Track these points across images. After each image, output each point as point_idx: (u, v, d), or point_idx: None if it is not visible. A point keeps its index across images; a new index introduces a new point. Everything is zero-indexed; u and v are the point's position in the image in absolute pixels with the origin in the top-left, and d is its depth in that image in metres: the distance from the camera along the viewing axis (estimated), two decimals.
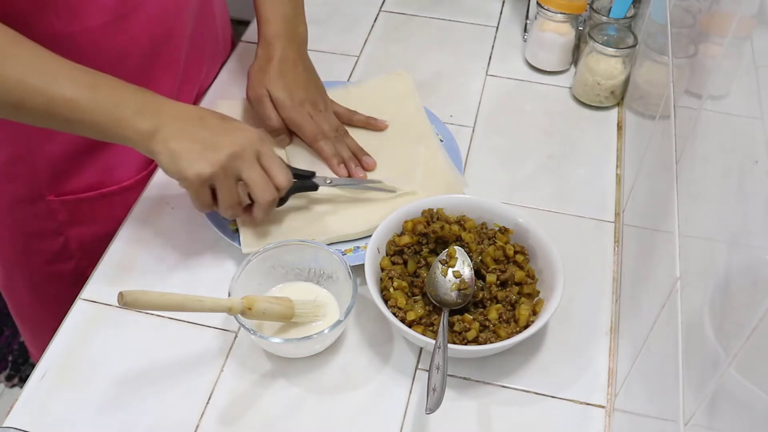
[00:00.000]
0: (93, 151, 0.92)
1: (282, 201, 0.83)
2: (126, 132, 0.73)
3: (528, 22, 1.15)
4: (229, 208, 0.78)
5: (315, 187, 0.86)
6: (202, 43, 1.01)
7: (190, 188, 0.76)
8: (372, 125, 0.98)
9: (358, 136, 0.97)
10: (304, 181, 0.85)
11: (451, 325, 0.75)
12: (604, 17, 1.05)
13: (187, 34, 0.95)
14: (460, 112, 1.05)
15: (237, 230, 0.86)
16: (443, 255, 0.78)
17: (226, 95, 1.06)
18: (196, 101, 1.05)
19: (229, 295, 0.74)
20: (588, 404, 0.75)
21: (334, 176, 0.90)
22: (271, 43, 0.93)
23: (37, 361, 0.78)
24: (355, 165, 0.92)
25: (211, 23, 1.04)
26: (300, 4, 0.97)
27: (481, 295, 0.78)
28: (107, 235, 0.89)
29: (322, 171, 0.90)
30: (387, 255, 0.81)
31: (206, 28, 1.01)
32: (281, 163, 0.80)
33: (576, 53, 1.12)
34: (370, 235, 0.80)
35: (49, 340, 0.79)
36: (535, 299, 0.78)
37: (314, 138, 0.92)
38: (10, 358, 1.74)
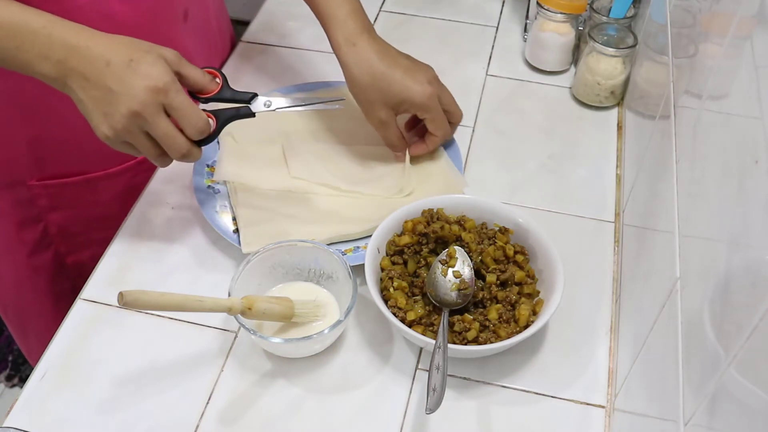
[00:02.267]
0: (76, 136, 0.90)
1: (212, 137, 0.77)
2: (36, 75, 0.71)
3: (528, 22, 1.15)
4: (158, 160, 0.75)
5: (251, 114, 0.80)
6: (196, 41, 1.00)
7: (111, 146, 0.74)
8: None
9: (357, 135, 0.97)
10: (238, 110, 0.79)
11: (451, 325, 0.75)
12: (604, 17, 1.05)
13: (177, 29, 0.93)
14: None
15: (237, 230, 0.86)
16: (443, 255, 0.78)
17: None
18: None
19: (229, 295, 0.74)
20: (588, 404, 0.75)
21: (275, 99, 0.81)
22: (356, 44, 0.86)
23: (28, 358, 0.78)
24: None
25: (206, 22, 1.03)
26: None
27: (481, 295, 0.78)
28: (88, 219, 0.88)
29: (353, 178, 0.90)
30: (387, 255, 0.81)
31: (201, 27, 1.01)
32: (190, 110, 0.73)
33: (576, 53, 1.12)
34: (370, 235, 0.80)
35: (34, 337, 0.79)
36: (535, 299, 0.78)
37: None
38: (10, 358, 1.74)
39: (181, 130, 0.74)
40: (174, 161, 0.77)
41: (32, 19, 0.70)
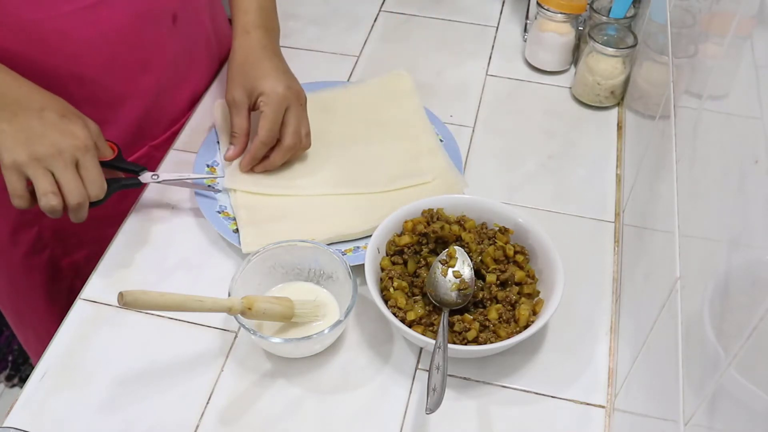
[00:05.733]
0: None
1: (100, 202, 0.82)
2: None
3: (528, 22, 1.15)
4: (44, 196, 0.77)
5: (139, 184, 0.88)
6: (187, 44, 1.00)
7: (5, 173, 0.76)
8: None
9: (358, 136, 0.97)
10: (127, 180, 0.87)
11: (451, 325, 0.75)
12: (604, 17, 1.05)
13: (164, 34, 0.93)
14: (460, 112, 1.05)
15: (237, 230, 0.86)
16: (443, 255, 0.78)
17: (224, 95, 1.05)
18: (193, 102, 1.04)
19: (229, 295, 0.74)
20: (588, 404, 0.75)
21: (164, 173, 0.88)
22: (249, 32, 0.93)
23: (27, 350, 0.78)
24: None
25: (199, 26, 1.02)
26: None
27: (481, 295, 0.78)
28: (83, 222, 0.89)
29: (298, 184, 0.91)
30: (387, 255, 0.81)
31: (193, 30, 1.00)
32: (96, 175, 0.79)
33: (576, 53, 1.12)
34: (370, 235, 0.80)
35: (32, 333, 0.79)
36: (535, 299, 0.78)
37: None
38: (10, 358, 1.74)
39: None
40: (51, 209, 0.78)
41: None
